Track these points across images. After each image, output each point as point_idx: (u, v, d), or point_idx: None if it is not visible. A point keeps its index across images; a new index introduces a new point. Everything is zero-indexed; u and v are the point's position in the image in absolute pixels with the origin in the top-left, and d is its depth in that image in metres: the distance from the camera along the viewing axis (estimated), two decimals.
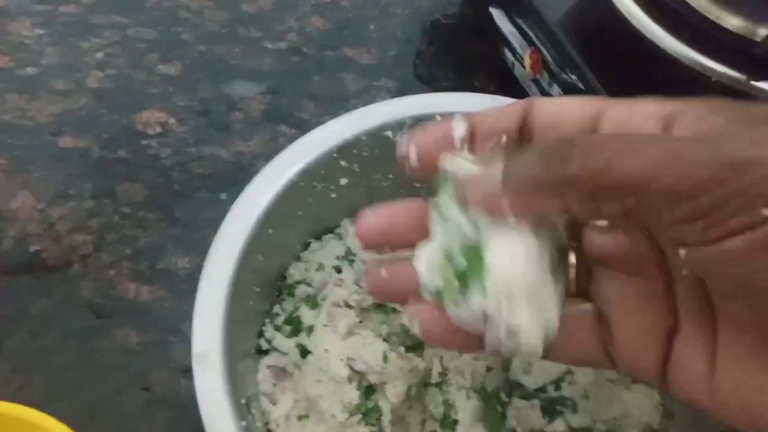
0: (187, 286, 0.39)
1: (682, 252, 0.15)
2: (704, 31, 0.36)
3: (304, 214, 0.32)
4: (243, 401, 0.25)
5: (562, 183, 0.15)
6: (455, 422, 0.30)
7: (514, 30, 0.42)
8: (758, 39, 0.35)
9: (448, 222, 0.19)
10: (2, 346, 0.36)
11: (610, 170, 0.14)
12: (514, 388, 0.31)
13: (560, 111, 0.18)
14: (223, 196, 0.43)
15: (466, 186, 0.18)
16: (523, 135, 0.19)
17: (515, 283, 0.17)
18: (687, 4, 0.36)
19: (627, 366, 0.19)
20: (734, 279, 0.15)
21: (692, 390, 0.17)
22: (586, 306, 0.19)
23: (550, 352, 0.18)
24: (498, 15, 0.43)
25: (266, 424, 0.30)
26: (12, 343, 0.37)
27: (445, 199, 0.19)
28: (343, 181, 0.33)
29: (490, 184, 0.17)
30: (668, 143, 0.14)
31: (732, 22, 0.36)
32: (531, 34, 0.41)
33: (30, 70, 0.47)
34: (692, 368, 0.17)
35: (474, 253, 0.18)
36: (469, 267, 0.18)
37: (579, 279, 0.20)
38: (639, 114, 0.17)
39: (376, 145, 0.32)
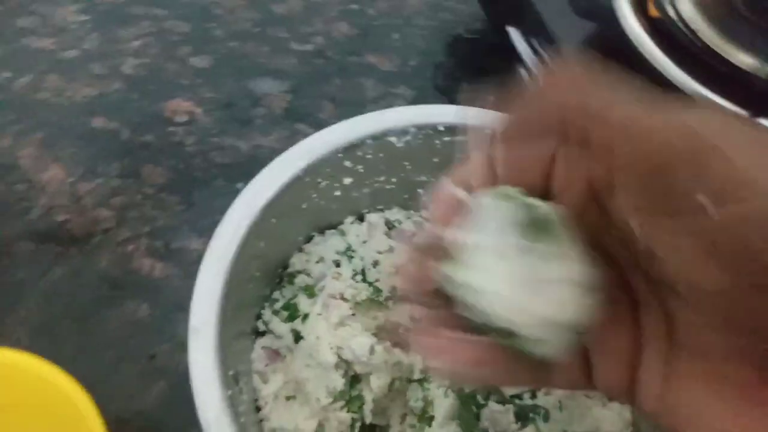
0: (197, 267, 0.40)
1: (637, 228, 0.16)
2: (713, 65, 0.37)
3: (308, 208, 0.34)
4: (231, 373, 0.27)
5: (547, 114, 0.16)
6: (431, 418, 0.32)
7: (528, 50, 0.44)
8: (764, 76, 0.36)
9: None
10: (19, 307, 0.39)
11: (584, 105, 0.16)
12: (491, 392, 0.33)
13: (522, 152, 0.19)
14: (239, 186, 0.44)
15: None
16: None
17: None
18: (697, 37, 0.38)
19: (604, 389, 0.19)
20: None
21: (652, 408, 0.18)
22: None
23: (542, 379, 0.19)
24: (514, 33, 0.45)
25: (255, 400, 0.32)
26: (29, 306, 0.39)
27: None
28: (347, 181, 0.34)
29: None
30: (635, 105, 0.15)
31: (741, 58, 0.37)
32: (544, 54, 0.42)
33: (71, 53, 0.50)
34: (651, 389, 0.18)
35: None
36: None
37: None
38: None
39: (380, 149, 0.33)
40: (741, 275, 0.14)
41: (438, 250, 0.18)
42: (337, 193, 0.35)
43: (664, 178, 0.15)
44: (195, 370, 0.24)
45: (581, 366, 0.19)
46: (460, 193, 0.18)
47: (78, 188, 0.44)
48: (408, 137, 0.33)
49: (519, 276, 0.17)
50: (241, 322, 0.32)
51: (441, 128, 0.33)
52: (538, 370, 0.19)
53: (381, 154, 0.34)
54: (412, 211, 0.39)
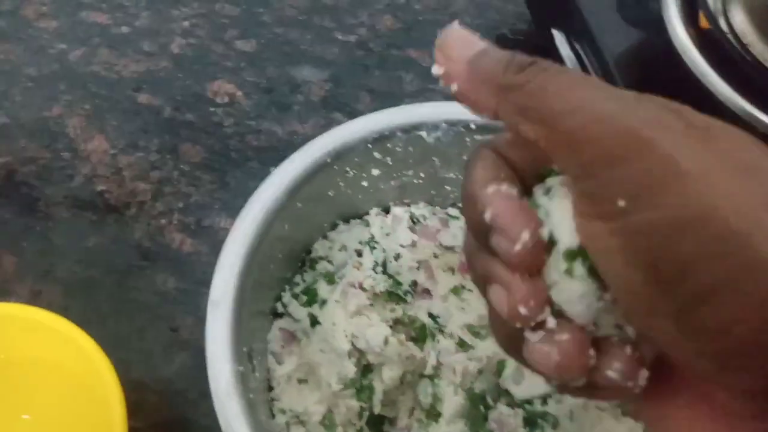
0: None
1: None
2: (758, 79, 0.35)
3: (335, 195, 0.34)
4: (245, 349, 0.28)
5: (507, 87, 0.16)
6: (439, 414, 0.32)
7: (571, 54, 0.43)
8: None
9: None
10: (56, 270, 0.41)
11: (548, 96, 0.16)
12: (501, 394, 0.33)
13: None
14: (273, 169, 0.45)
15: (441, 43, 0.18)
16: None
17: None
18: (747, 50, 0.36)
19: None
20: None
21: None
22: None
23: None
24: (559, 37, 0.44)
25: (268, 380, 0.33)
26: (64, 270, 0.41)
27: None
28: (375, 172, 0.35)
29: (465, 46, 0.18)
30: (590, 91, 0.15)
31: None
32: (587, 61, 0.41)
33: (124, 29, 0.52)
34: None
35: None
36: None
37: None
38: None
39: (410, 143, 0.34)
40: (651, 277, 0.14)
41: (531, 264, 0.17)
42: (365, 183, 0.35)
43: (595, 177, 0.15)
44: (210, 342, 0.25)
45: None
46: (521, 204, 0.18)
47: (119, 160, 0.45)
48: (439, 133, 0.33)
49: None
50: (261, 302, 0.33)
51: (473, 126, 0.33)
52: None
53: (410, 148, 0.34)
54: (438, 207, 0.39)
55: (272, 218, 0.29)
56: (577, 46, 0.42)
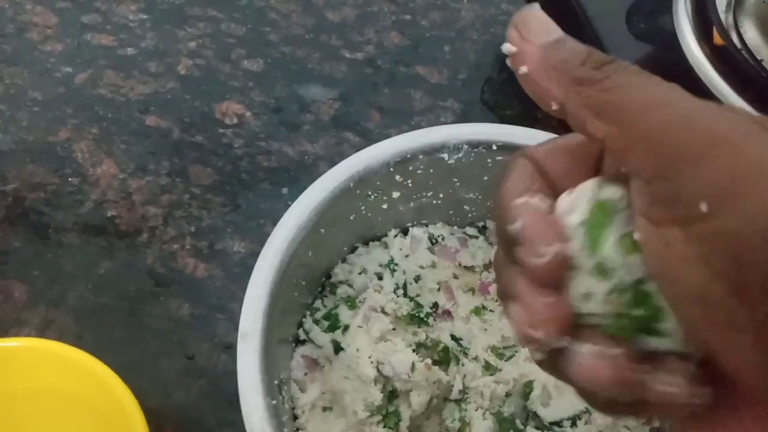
0: (239, 269, 0.42)
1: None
2: None
3: (355, 219, 0.34)
4: (276, 382, 0.27)
5: (583, 80, 0.16)
6: None
7: None
8: None
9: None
10: (67, 298, 0.40)
11: (624, 93, 0.15)
12: (530, 417, 0.32)
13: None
14: (284, 190, 0.45)
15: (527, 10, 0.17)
16: None
17: None
18: (762, 66, 0.36)
19: None
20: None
21: None
22: None
23: None
24: None
25: (293, 408, 0.32)
26: (76, 297, 0.40)
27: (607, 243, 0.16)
28: (396, 195, 0.34)
29: (543, 29, 0.17)
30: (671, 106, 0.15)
31: None
32: None
33: (129, 50, 0.51)
34: None
35: (642, 295, 0.16)
36: (644, 312, 0.16)
37: None
38: None
39: (431, 165, 0.33)
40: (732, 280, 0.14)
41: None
42: (385, 206, 0.35)
43: (675, 179, 0.14)
44: (242, 377, 0.25)
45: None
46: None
47: (128, 184, 0.45)
48: (460, 154, 0.33)
49: None
50: (283, 330, 0.32)
51: (494, 147, 0.33)
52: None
53: (431, 170, 0.34)
54: (455, 227, 0.39)
55: (297, 246, 0.29)
56: None
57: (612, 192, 0.17)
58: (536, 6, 0.18)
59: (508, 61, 0.18)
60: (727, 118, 0.14)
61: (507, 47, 0.17)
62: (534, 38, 0.17)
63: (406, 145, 0.32)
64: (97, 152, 0.46)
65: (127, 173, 0.45)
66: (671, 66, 0.39)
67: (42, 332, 0.39)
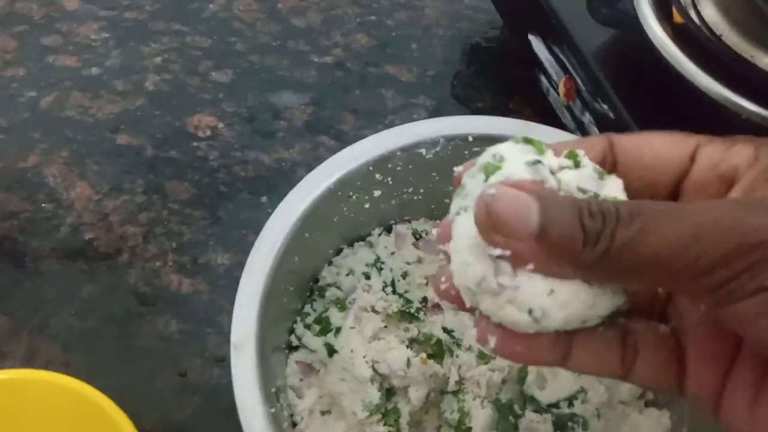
0: (225, 282, 0.41)
1: (702, 307, 0.17)
2: (736, 68, 0.36)
3: (339, 221, 0.34)
4: (273, 390, 0.27)
5: (593, 262, 0.16)
6: (469, 429, 0.32)
7: (550, 57, 0.44)
8: None
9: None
10: (51, 325, 0.39)
11: (635, 249, 0.15)
12: (527, 401, 0.33)
13: (652, 149, 0.19)
14: (264, 199, 0.45)
15: (489, 203, 0.16)
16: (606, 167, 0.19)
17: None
18: (722, 41, 0.37)
19: (693, 394, 0.19)
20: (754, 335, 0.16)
21: (736, 419, 0.18)
22: (665, 328, 0.20)
23: (626, 376, 0.19)
24: (536, 42, 0.45)
25: (291, 416, 0.32)
26: (60, 323, 0.39)
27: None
28: (377, 193, 0.35)
29: (521, 220, 0.16)
30: (689, 220, 0.15)
31: (765, 60, 0.37)
32: (566, 62, 0.42)
33: (94, 70, 0.50)
34: (740, 399, 0.18)
35: None
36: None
37: (657, 299, 0.20)
38: (736, 156, 0.18)
39: (410, 161, 0.33)
40: None
41: None
42: (367, 205, 0.35)
43: (726, 285, 0.15)
44: (239, 390, 0.24)
45: (672, 366, 0.19)
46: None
47: (104, 205, 0.44)
48: (437, 148, 0.33)
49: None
50: (276, 337, 0.32)
51: (470, 138, 0.33)
52: (623, 361, 0.19)
53: (410, 166, 0.34)
54: (438, 221, 0.39)
55: (284, 252, 0.29)
56: (556, 49, 0.43)
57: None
58: (492, 188, 0.17)
59: (503, 269, 0.17)
60: (751, 221, 0.15)
61: (495, 251, 0.17)
62: (519, 231, 0.16)
63: (384, 143, 0.32)
64: (70, 175, 0.45)
65: (102, 194, 0.44)
66: (635, 47, 0.39)
67: (28, 362, 0.38)
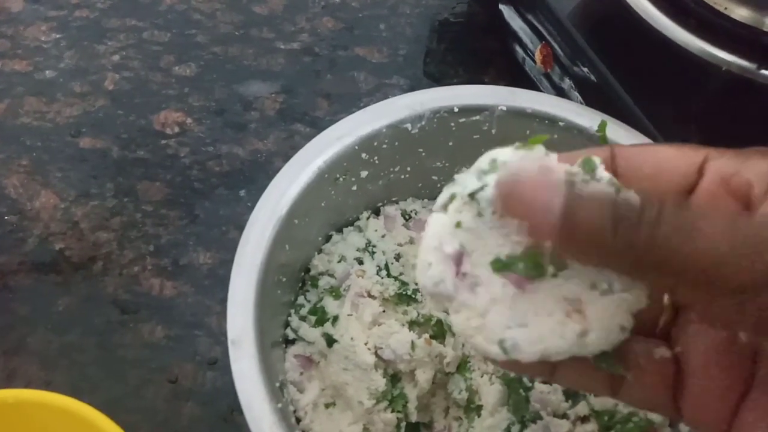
0: (209, 281, 0.39)
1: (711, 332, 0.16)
2: (712, 21, 0.36)
3: (327, 206, 0.33)
4: (277, 384, 0.26)
5: (621, 251, 0.15)
6: (479, 407, 0.31)
7: (524, 26, 0.43)
8: (766, 29, 0.36)
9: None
10: (27, 343, 0.37)
11: (672, 248, 0.14)
12: None
13: (656, 159, 0.18)
14: (242, 193, 0.43)
15: (512, 187, 0.15)
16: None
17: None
18: None
19: (692, 420, 0.18)
20: None
21: None
22: (665, 351, 0.18)
23: (619, 393, 0.18)
24: (508, 12, 0.44)
25: (294, 411, 0.31)
26: (38, 340, 0.37)
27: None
28: (364, 174, 0.33)
29: (546, 207, 0.15)
30: (736, 229, 0.14)
31: (739, 12, 0.37)
32: (541, 28, 0.41)
33: (48, 73, 0.48)
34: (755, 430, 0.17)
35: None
36: None
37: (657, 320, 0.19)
38: (750, 170, 0.16)
39: (396, 137, 0.32)
40: None
41: None
42: (354, 187, 0.34)
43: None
44: (242, 386, 0.23)
45: (668, 388, 0.18)
46: None
47: (73, 213, 0.42)
48: (423, 122, 0.32)
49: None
50: (273, 332, 0.31)
51: (456, 110, 0.32)
52: (611, 381, 0.18)
53: (396, 143, 0.33)
54: (427, 200, 0.38)
55: (274, 242, 0.28)
56: (530, 16, 0.42)
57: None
58: (509, 150, 0.16)
59: (514, 238, 0.16)
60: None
61: (514, 225, 0.16)
62: (542, 205, 0.15)
63: (368, 121, 0.31)
64: (32, 184, 0.43)
65: (68, 201, 0.42)
66: (610, 7, 0.39)
67: (7, 383, 0.35)
